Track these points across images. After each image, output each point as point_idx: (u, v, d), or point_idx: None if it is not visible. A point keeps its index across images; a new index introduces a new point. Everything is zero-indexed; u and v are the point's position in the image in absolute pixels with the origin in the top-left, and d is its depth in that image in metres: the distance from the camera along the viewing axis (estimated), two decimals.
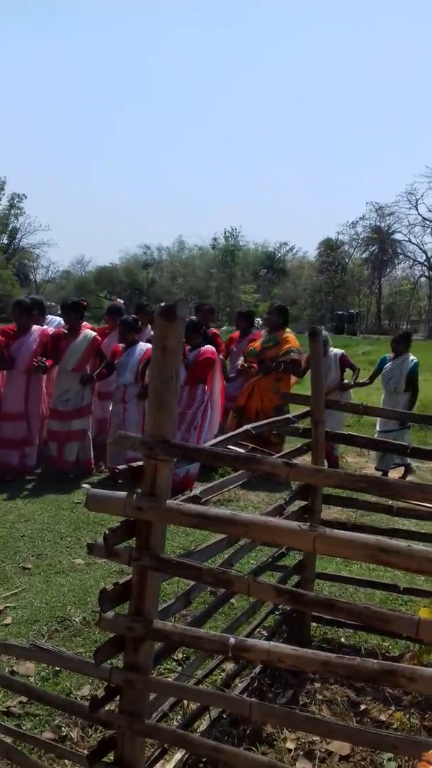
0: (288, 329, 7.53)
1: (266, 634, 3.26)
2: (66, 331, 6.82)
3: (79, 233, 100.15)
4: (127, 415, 6.58)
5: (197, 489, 2.29)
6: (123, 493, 1.85)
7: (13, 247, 55.74)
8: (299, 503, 3.39)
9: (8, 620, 3.56)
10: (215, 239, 58.52)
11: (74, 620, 3.48)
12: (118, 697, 1.91)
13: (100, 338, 7.03)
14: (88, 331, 6.92)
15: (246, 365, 7.33)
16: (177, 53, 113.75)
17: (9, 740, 2.22)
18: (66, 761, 2.37)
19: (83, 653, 3.06)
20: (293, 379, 7.39)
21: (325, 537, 1.53)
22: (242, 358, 7.56)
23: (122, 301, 8.99)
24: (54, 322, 7.63)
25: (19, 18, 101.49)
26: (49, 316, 7.92)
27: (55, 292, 53.87)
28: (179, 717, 2.52)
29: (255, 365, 7.25)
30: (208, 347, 6.78)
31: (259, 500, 6.10)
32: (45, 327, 7.02)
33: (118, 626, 1.83)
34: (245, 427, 2.61)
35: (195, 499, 2.11)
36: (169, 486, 1.84)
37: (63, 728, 2.59)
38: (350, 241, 56.66)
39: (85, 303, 7.19)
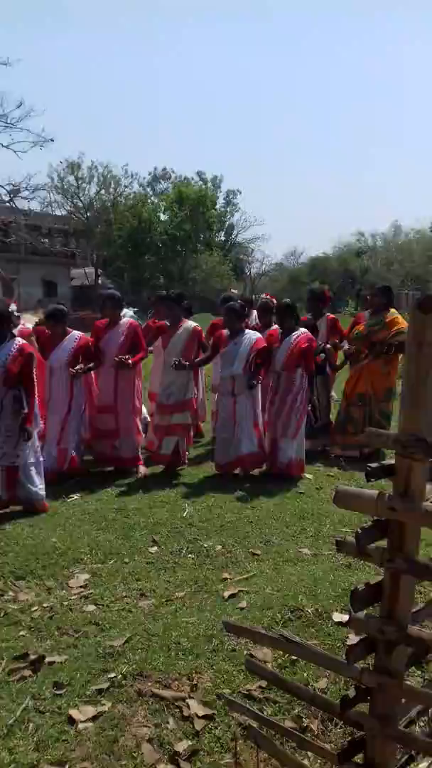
0: (393, 309, 7.12)
1: None
2: (168, 324, 6.75)
3: (292, 225, 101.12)
4: (239, 408, 6.41)
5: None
6: (374, 492, 1.80)
7: (229, 243, 57.85)
8: None
9: (243, 604, 3.68)
10: None
11: (307, 611, 3.51)
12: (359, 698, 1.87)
13: (200, 329, 6.87)
14: (190, 322, 6.81)
15: (354, 348, 7.15)
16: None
17: (255, 724, 2.29)
18: (307, 753, 2.39)
19: (317, 646, 3.07)
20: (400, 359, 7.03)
21: None
22: (345, 343, 7.43)
23: (236, 291, 8.83)
24: (127, 314, 7.61)
25: (227, 18, 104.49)
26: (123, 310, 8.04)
27: (269, 285, 54.89)
28: (422, 724, 2.42)
29: (363, 349, 7.05)
30: (305, 333, 6.48)
31: None
32: (130, 319, 6.90)
33: (370, 628, 1.79)
34: None
35: None
36: (425, 487, 1.75)
37: (303, 719, 2.61)
38: None
39: (172, 296, 7.05)
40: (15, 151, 22.49)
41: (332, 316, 7.85)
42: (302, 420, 6.46)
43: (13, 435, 5.20)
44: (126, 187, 49.56)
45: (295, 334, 6.44)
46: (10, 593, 3.95)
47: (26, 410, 5.20)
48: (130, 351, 6.48)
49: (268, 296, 8.60)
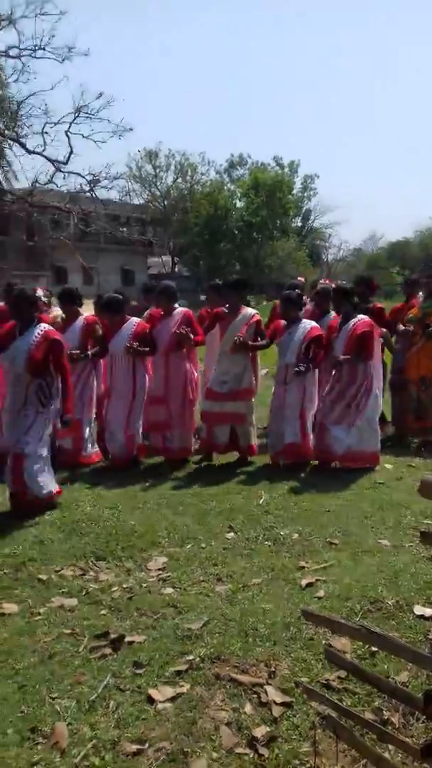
0: None
1: None
2: (226, 310, 6.58)
3: (371, 210, 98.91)
4: (287, 396, 6.23)
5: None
6: None
7: (306, 228, 57.15)
8: None
9: (321, 593, 3.64)
10: None
11: (387, 603, 3.43)
12: None
13: (259, 317, 6.63)
14: (249, 310, 6.63)
15: (410, 329, 6.98)
16: None
17: (334, 714, 2.26)
18: (388, 746, 2.33)
19: (397, 638, 2.99)
20: None
21: None
22: (400, 324, 7.21)
23: (302, 280, 8.55)
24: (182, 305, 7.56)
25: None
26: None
27: (346, 270, 53.95)
28: None
29: (417, 331, 6.87)
30: (364, 319, 6.22)
31: None
32: (184, 308, 6.74)
33: None
34: None
35: None
36: None
37: (384, 712, 2.56)
38: None
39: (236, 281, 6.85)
40: (95, 141, 22.90)
41: (379, 305, 7.65)
42: (365, 410, 6.18)
43: (26, 420, 4.96)
44: (203, 174, 49.79)
45: (353, 321, 6.21)
46: (91, 573, 4.04)
47: (50, 400, 5.01)
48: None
49: (327, 282, 8.41)
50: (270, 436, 6.47)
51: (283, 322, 6.48)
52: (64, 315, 6.72)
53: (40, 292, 5.75)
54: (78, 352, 6.33)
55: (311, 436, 6.30)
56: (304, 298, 7.20)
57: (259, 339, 6.50)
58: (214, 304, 7.03)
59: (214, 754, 2.38)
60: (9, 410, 5.25)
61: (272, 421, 6.42)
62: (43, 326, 5.06)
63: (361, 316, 6.26)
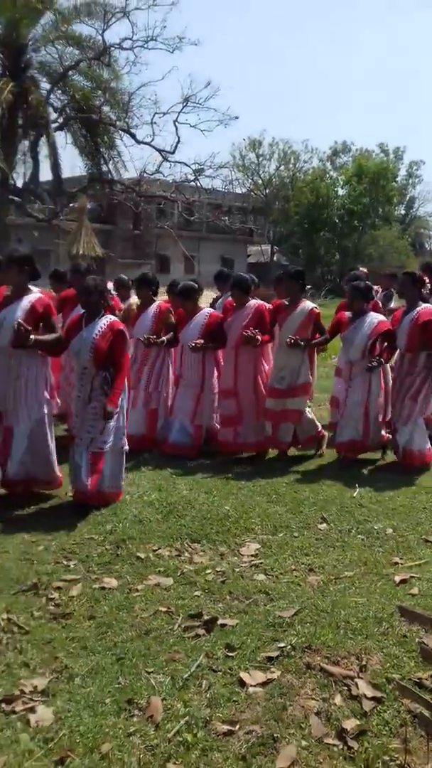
0: None
1: None
2: (287, 303, 6.33)
3: None
4: (350, 392, 6.03)
5: None
6: None
7: (409, 216, 55.39)
8: None
9: (414, 590, 3.58)
10: None
11: None
12: None
13: (318, 310, 6.32)
14: (308, 302, 6.36)
15: None
16: None
17: (427, 713, 2.24)
18: None
19: None
20: None
21: None
22: None
23: (365, 271, 8.11)
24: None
25: None
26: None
27: None
28: None
29: None
30: (428, 307, 5.86)
31: None
32: (260, 301, 6.47)
33: None
34: None
35: None
36: None
37: None
38: None
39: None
40: (201, 131, 23.10)
41: None
42: (422, 406, 5.95)
43: (98, 419, 4.82)
44: (305, 162, 49.20)
45: (416, 309, 5.92)
46: (186, 554, 4.16)
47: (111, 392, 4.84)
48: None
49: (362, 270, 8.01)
50: (336, 431, 6.31)
51: (347, 314, 6.23)
52: (139, 301, 6.74)
53: (110, 285, 5.72)
54: (153, 337, 6.34)
55: (380, 432, 6.12)
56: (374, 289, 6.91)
57: (318, 334, 6.29)
58: (282, 294, 6.67)
59: (303, 742, 2.40)
60: (76, 401, 5.08)
61: (335, 415, 6.26)
62: (109, 317, 4.96)
63: (426, 305, 6.01)
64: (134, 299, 6.77)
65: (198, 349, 6.19)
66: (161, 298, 6.98)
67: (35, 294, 4.99)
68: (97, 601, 3.50)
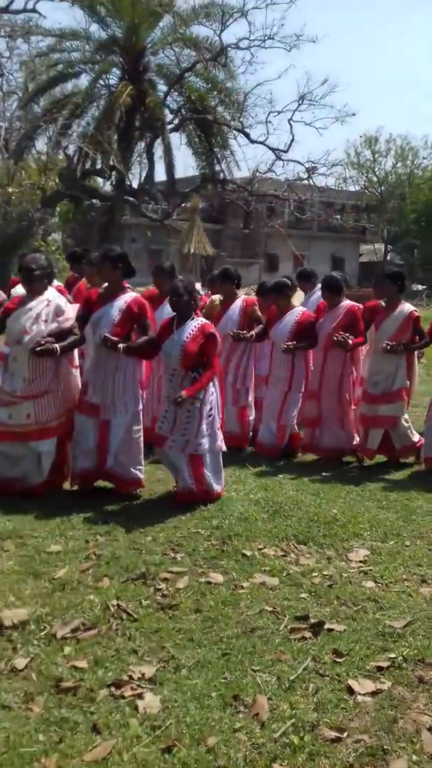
0: None
1: None
2: (383, 305, 5.96)
3: None
4: None
5: None
6: None
7: None
8: None
9: None
10: None
11: None
12: None
13: (417, 314, 5.95)
14: (407, 305, 5.98)
15: None
16: None
17: None
18: None
19: None
20: None
21: None
22: None
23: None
24: (318, 292, 6.95)
25: None
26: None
27: None
28: None
29: None
30: None
31: None
32: (352, 302, 6.24)
33: None
34: None
35: None
36: None
37: None
38: None
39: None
40: (317, 128, 22.94)
41: None
42: None
43: (194, 421, 4.82)
44: (424, 158, 47.58)
45: None
46: (293, 555, 4.10)
47: (206, 391, 4.84)
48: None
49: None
50: (427, 437, 5.97)
51: None
52: (222, 297, 6.63)
53: (198, 286, 5.66)
54: (243, 332, 6.27)
55: None
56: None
57: (417, 337, 6.02)
58: (330, 298, 6.29)
59: (414, 757, 2.30)
60: (166, 402, 5.05)
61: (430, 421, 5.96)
62: (200, 320, 4.93)
63: None
64: (217, 295, 6.72)
65: (290, 351, 6.08)
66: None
67: (131, 293, 5.03)
68: (203, 595, 3.52)
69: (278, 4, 22.00)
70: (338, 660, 2.89)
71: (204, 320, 4.99)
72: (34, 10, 20.90)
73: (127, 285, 5.10)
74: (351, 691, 2.66)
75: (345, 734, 2.40)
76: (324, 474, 5.78)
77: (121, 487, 5.05)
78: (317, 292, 7.16)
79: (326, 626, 3.19)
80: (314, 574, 3.82)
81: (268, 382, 6.44)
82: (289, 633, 3.15)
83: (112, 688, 2.65)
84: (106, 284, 5.04)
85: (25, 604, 3.31)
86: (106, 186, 24.28)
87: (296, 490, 5.25)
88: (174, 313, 4.96)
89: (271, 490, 5.22)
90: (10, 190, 19.76)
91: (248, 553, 4.07)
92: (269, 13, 50.43)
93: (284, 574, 3.81)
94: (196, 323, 4.85)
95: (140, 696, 2.60)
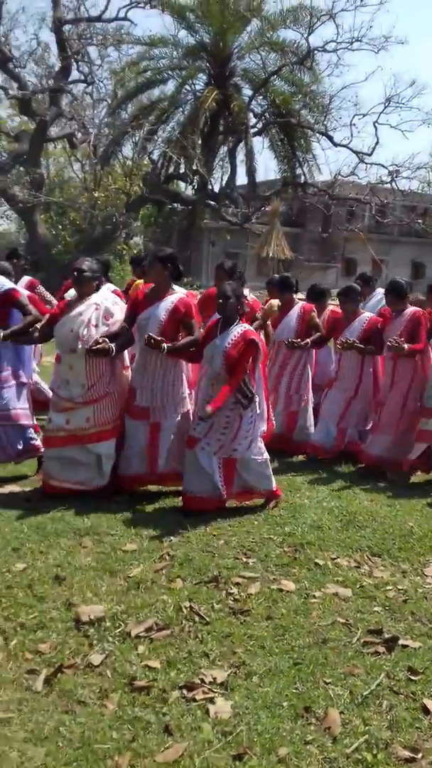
0: None
1: None
2: None
3: None
4: None
5: None
6: None
7: None
8: None
9: None
10: None
11: None
12: None
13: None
14: None
15: None
16: None
17: None
18: None
19: None
20: None
21: None
22: None
23: None
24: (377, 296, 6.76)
25: None
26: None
27: None
28: None
29: None
30: None
31: None
32: (416, 308, 5.96)
33: None
34: None
35: None
36: None
37: None
38: None
39: None
40: (402, 131, 22.47)
41: None
42: None
43: (232, 425, 4.72)
44: None
45: None
46: (366, 567, 4.03)
47: (250, 397, 4.71)
48: (409, 341, 5.72)
49: None
50: None
51: None
52: (280, 303, 6.53)
53: (246, 291, 5.54)
54: (297, 340, 6.23)
55: None
56: None
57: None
58: (393, 304, 6.05)
59: None
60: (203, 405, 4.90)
61: None
62: (244, 326, 4.80)
63: None
64: (276, 300, 6.63)
65: (349, 347, 5.96)
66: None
67: (178, 294, 5.02)
68: (275, 602, 3.51)
69: (368, 5, 21.66)
70: (413, 678, 2.82)
71: (248, 327, 4.87)
72: (126, 18, 21.34)
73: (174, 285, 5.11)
74: (426, 710, 2.60)
75: (419, 755, 2.34)
76: (394, 484, 5.66)
77: (173, 486, 5.09)
78: (375, 296, 7.13)
79: (400, 642, 3.13)
80: (388, 587, 3.75)
81: (333, 386, 6.35)
82: (362, 647, 3.10)
83: (184, 691, 2.69)
84: (153, 284, 5.03)
85: (102, 601, 3.40)
86: (188, 190, 24.57)
87: (371, 500, 5.17)
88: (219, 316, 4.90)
89: (345, 499, 5.16)
90: (96, 194, 20.31)
91: (321, 563, 4.03)
92: (358, 15, 49.76)
93: (357, 586, 3.75)
94: (239, 329, 4.75)
95: (212, 700, 2.62)
